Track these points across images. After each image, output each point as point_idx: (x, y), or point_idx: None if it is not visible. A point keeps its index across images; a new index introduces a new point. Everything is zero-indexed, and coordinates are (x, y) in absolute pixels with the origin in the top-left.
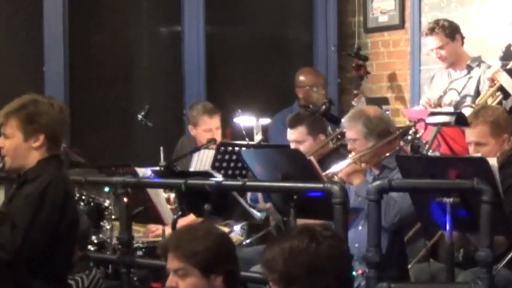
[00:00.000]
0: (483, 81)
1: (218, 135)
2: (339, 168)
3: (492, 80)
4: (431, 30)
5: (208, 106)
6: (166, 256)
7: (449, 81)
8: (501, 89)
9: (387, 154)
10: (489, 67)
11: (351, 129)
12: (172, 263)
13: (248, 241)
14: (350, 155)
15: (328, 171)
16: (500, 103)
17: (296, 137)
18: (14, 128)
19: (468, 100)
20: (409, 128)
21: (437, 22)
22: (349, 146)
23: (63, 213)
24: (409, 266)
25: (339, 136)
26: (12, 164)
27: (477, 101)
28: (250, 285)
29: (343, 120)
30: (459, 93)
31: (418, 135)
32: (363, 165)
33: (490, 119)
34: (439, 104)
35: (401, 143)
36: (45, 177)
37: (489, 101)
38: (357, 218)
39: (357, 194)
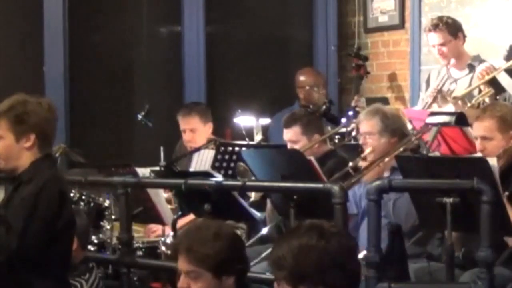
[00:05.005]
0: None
1: (199, 138)
2: None
3: (483, 75)
4: (435, 27)
5: (185, 105)
6: (177, 256)
7: (450, 81)
8: (492, 83)
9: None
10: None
11: (367, 122)
12: (184, 265)
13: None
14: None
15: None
16: (495, 96)
17: (290, 136)
18: (5, 129)
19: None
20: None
21: (441, 18)
22: (361, 141)
23: (59, 213)
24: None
25: (338, 136)
26: (5, 165)
27: (459, 94)
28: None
29: (360, 114)
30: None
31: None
32: (381, 164)
33: (498, 114)
34: (439, 91)
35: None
36: (40, 178)
37: (478, 92)
38: (357, 220)
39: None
